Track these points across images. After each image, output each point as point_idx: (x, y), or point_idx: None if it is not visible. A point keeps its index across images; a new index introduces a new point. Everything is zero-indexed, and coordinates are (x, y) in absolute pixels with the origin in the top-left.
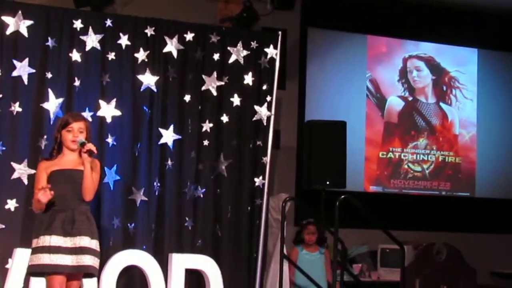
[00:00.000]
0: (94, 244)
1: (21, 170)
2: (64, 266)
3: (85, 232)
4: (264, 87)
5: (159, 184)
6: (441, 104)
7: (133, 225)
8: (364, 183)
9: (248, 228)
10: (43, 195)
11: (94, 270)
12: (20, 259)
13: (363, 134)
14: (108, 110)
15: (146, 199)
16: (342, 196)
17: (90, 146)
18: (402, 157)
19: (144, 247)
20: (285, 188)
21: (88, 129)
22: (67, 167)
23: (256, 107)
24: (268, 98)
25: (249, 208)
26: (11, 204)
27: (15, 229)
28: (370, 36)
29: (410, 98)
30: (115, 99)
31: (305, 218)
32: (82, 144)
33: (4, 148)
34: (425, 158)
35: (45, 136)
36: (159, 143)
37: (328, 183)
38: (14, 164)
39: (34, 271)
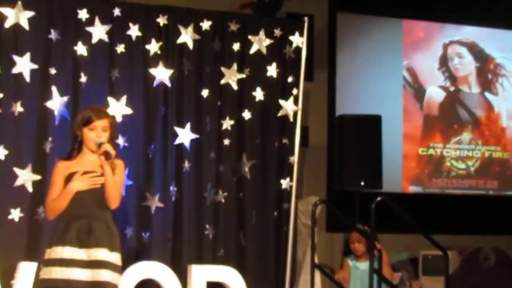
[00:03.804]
0: (114, 257)
1: (25, 176)
2: (78, 281)
3: (103, 243)
4: (290, 79)
5: (175, 189)
6: (486, 94)
7: (148, 234)
8: (403, 183)
9: (274, 235)
10: (82, 181)
11: (112, 287)
12: (25, 274)
13: (400, 129)
14: (118, 108)
15: (162, 205)
16: (378, 198)
17: (107, 147)
18: (444, 153)
19: None
20: (315, 190)
21: (113, 127)
22: (88, 169)
23: (281, 102)
24: (295, 91)
25: (275, 213)
26: (15, 214)
27: (20, 241)
28: (406, 20)
29: (452, 88)
30: (125, 96)
31: (338, 223)
32: (100, 145)
33: (6, 152)
34: (470, 154)
35: (50, 138)
36: (175, 143)
37: (362, 184)
38: (17, 170)
39: (44, 286)
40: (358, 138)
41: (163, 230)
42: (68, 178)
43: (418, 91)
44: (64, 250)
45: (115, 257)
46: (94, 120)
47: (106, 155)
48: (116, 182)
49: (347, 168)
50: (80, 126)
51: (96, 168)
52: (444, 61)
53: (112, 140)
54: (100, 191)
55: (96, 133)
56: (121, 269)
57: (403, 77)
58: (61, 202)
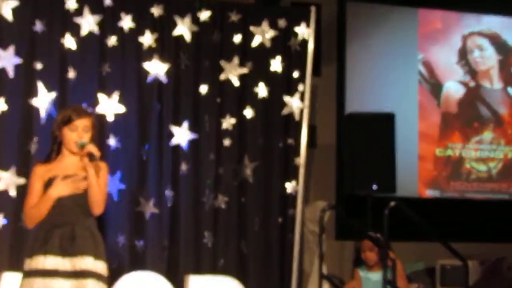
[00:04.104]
0: (99, 266)
1: (7, 180)
2: None
3: (88, 251)
4: (295, 74)
5: (172, 193)
6: (509, 89)
7: (142, 242)
8: (418, 186)
9: (279, 243)
10: (64, 185)
11: None
12: (9, 285)
13: (416, 127)
14: (110, 106)
15: (157, 211)
16: (392, 203)
17: (91, 148)
18: (463, 154)
19: None
20: (323, 194)
21: (94, 127)
22: (69, 173)
23: (286, 99)
24: (300, 87)
25: (280, 219)
26: None
27: (2, 249)
28: (422, 9)
29: (472, 84)
30: (117, 93)
31: (348, 231)
32: (82, 146)
33: None
34: (491, 155)
35: (35, 138)
36: (171, 144)
37: (374, 187)
38: None
39: None
40: (370, 137)
41: (158, 237)
42: (48, 183)
43: (435, 86)
44: (46, 259)
45: (101, 266)
46: (74, 119)
47: (90, 156)
48: (100, 186)
49: (357, 171)
50: (60, 126)
51: (77, 171)
52: (463, 54)
53: (94, 141)
54: (82, 196)
55: (77, 133)
56: (107, 280)
57: (418, 72)
58: (41, 209)
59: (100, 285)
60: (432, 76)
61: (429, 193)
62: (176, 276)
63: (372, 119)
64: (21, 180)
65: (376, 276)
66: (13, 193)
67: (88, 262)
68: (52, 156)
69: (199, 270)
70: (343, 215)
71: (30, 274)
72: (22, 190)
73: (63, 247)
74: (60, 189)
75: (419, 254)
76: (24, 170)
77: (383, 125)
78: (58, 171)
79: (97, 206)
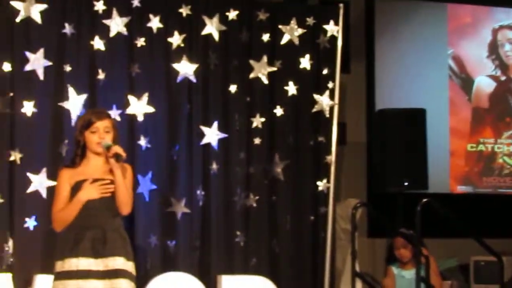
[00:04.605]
0: (130, 266)
1: (38, 183)
2: None
3: (119, 252)
4: (325, 71)
5: (203, 193)
6: None
7: (173, 242)
8: (450, 182)
9: (311, 242)
10: (93, 189)
11: None
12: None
13: (447, 123)
14: (139, 107)
15: (188, 211)
16: (424, 200)
17: (117, 149)
18: (496, 149)
19: None
20: (354, 192)
21: (115, 128)
22: (96, 176)
23: (316, 96)
24: (330, 85)
25: (311, 218)
26: (30, 223)
27: (35, 252)
28: (451, 4)
29: (503, 78)
30: (147, 94)
31: (380, 228)
32: (108, 147)
33: (20, 156)
34: None
35: (66, 141)
36: (201, 143)
37: (406, 184)
38: (30, 175)
39: None
40: (401, 134)
41: (189, 238)
42: (75, 187)
43: (465, 81)
44: (79, 261)
45: (131, 266)
46: (94, 121)
47: (117, 157)
48: (127, 186)
49: (388, 168)
50: (82, 131)
51: (103, 174)
52: (493, 48)
53: (116, 141)
54: (110, 198)
55: (98, 135)
56: (135, 280)
57: (448, 67)
58: (70, 213)
59: (131, 285)
60: (463, 71)
61: (461, 189)
62: (208, 276)
63: (403, 116)
64: (52, 183)
65: (409, 273)
66: (44, 195)
67: (120, 262)
68: (76, 160)
69: (231, 270)
70: (375, 213)
71: (62, 276)
72: (53, 192)
73: (95, 249)
74: (90, 193)
75: (452, 251)
76: (55, 173)
77: (414, 121)
78: (84, 174)
79: (125, 206)
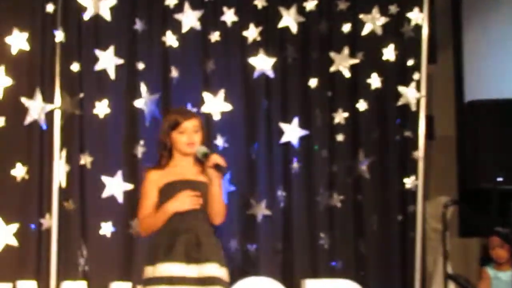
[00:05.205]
0: (224, 273)
1: (114, 186)
2: None
3: (213, 258)
4: (410, 62)
5: (284, 194)
6: None
7: (254, 246)
8: None
9: (399, 242)
10: (182, 201)
11: None
12: None
13: None
14: (215, 105)
15: (269, 213)
16: None
17: (217, 159)
18: None
19: None
20: (445, 189)
21: (203, 127)
22: (187, 177)
23: (401, 89)
24: (416, 76)
25: (399, 217)
26: (106, 229)
27: (112, 259)
28: None
29: None
30: (223, 91)
31: (473, 227)
32: (205, 155)
33: (91, 159)
34: None
35: (141, 142)
36: (281, 141)
37: (500, 180)
38: (105, 179)
39: None
40: (494, 126)
41: (271, 241)
42: (165, 188)
43: None
44: (173, 267)
45: (225, 273)
46: (181, 121)
47: (218, 168)
48: (221, 196)
49: (481, 162)
50: (168, 132)
51: (193, 176)
52: None
53: (204, 142)
54: (203, 202)
55: (187, 136)
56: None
57: None
58: (157, 222)
59: None
60: None
61: None
62: (291, 280)
63: (496, 107)
64: (129, 186)
65: (506, 275)
66: (120, 199)
67: (214, 269)
68: (162, 162)
69: (315, 273)
70: (468, 211)
71: (153, 282)
72: (130, 196)
73: (188, 254)
74: (179, 205)
75: None
76: (131, 175)
77: (507, 112)
78: (176, 175)
79: (219, 217)
